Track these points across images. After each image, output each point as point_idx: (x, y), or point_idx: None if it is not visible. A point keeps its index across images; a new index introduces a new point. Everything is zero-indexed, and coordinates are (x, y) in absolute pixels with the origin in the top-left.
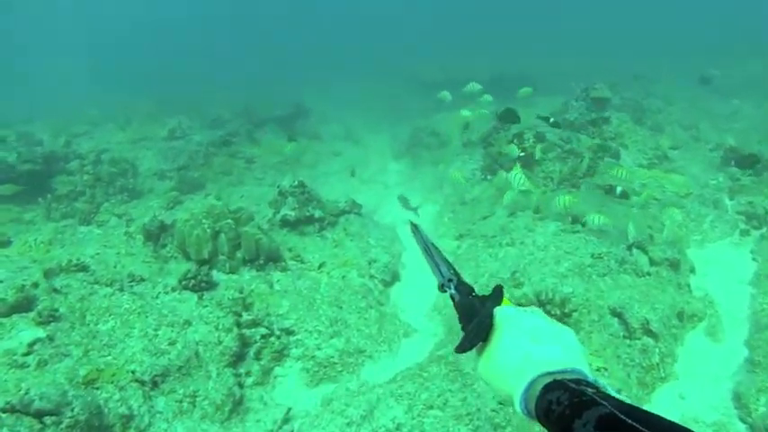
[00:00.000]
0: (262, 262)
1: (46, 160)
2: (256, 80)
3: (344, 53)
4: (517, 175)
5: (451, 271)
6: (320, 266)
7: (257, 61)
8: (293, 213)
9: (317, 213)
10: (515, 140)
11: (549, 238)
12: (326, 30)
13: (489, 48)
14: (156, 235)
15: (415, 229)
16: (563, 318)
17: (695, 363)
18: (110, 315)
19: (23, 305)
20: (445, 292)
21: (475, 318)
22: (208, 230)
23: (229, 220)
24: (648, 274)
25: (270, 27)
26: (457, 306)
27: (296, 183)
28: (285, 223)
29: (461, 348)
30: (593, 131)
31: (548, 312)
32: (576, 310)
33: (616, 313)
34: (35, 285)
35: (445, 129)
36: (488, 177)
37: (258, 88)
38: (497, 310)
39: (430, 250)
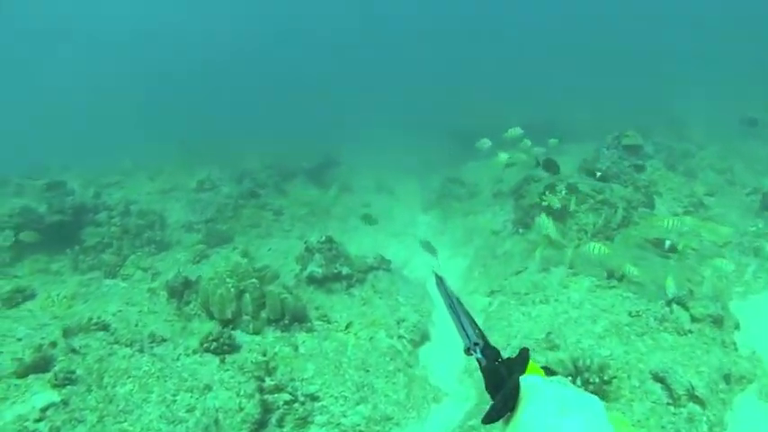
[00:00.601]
0: (287, 322)
1: (75, 211)
2: (286, 128)
3: (374, 102)
4: (544, 220)
5: (477, 331)
6: (347, 327)
7: (288, 108)
8: (320, 270)
9: (345, 270)
10: (547, 192)
11: (584, 294)
12: (357, 79)
13: (519, 95)
14: (180, 292)
15: (440, 281)
16: (602, 385)
17: (748, 430)
18: (128, 377)
19: (41, 365)
20: (471, 355)
21: (501, 385)
22: (232, 290)
23: (254, 280)
24: (690, 332)
25: (299, 75)
26: (483, 372)
27: (323, 238)
28: (312, 280)
29: (488, 419)
30: (625, 180)
31: (586, 380)
32: (615, 377)
33: (658, 378)
34: (53, 345)
35: (475, 179)
36: (520, 231)
37: (288, 137)
38: (524, 380)
39: (455, 306)
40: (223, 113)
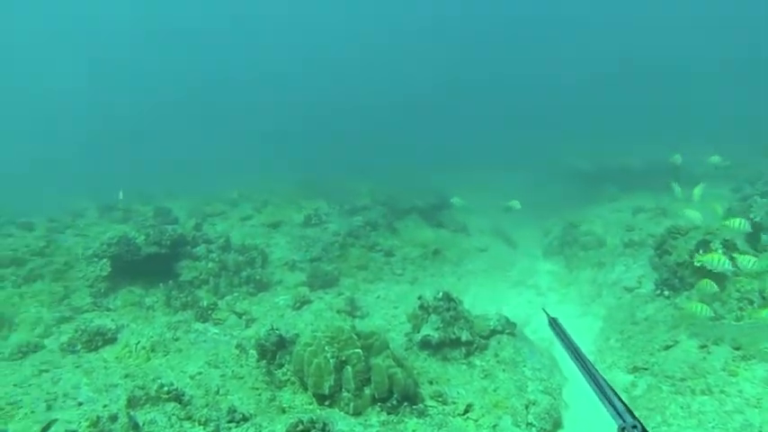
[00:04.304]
0: (395, 402)
1: (174, 243)
2: (400, 166)
3: (488, 141)
4: (722, 260)
5: (624, 405)
6: (466, 410)
7: (404, 147)
8: (436, 335)
9: (465, 336)
10: (700, 250)
11: (761, 387)
12: (471, 119)
13: (630, 134)
14: (273, 352)
15: (554, 323)
16: None
17: None
18: None
19: None
20: None
21: None
22: (331, 360)
23: (358, 350)
24: None
25: (417, 115)
26: None
27: (440, 294)
28: (425, 345)
29: None
30: None
31: None
32: None
33: None
34: (113, 419)
35: (601, 225)
36: (665, 293)
37: (401, 175)
38: None
39: (583, 360)
40: (339, 149)
